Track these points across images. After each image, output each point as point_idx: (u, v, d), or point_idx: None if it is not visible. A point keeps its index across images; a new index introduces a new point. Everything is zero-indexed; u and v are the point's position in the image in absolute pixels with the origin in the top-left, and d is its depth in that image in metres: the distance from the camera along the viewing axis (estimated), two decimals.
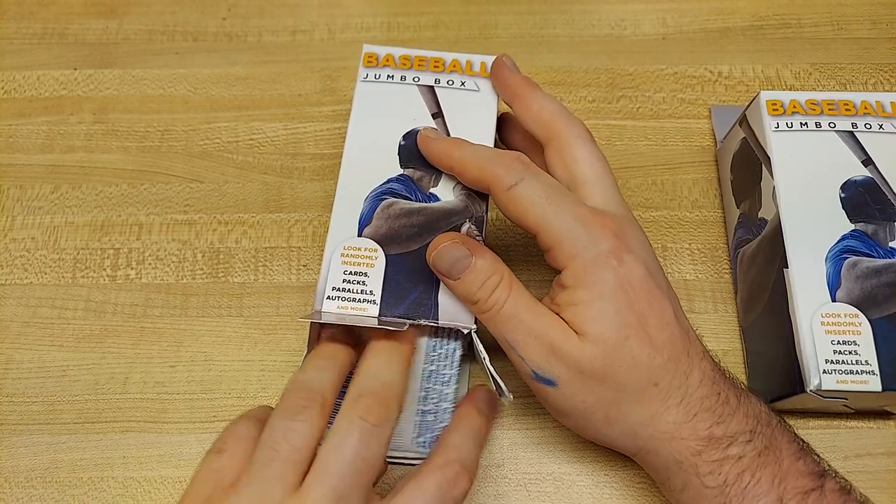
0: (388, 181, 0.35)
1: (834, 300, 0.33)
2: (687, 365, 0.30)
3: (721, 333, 0.39)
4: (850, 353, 0.32)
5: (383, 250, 0.33)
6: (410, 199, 0.34)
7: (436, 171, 0.35)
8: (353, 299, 0.32)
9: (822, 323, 0.33)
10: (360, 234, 0.34)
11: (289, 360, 0.39)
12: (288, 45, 0.49)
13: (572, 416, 0.31)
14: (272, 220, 0.43)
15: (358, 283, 0.33)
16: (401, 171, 0.35)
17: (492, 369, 0.31)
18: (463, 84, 0.37)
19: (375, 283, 0.33)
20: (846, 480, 0.30)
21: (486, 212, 0.34)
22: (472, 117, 0.36)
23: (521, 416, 0.37)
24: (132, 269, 0.41)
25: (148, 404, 0.38)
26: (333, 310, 0.32)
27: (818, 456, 0.30)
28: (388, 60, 0.37)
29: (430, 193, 0.35)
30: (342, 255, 0.33)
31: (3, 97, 0.47)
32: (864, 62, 0.47)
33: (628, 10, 0.50)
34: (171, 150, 0.45)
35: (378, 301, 0.32)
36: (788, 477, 0.29)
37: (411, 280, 0.33)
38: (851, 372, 0.32)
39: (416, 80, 0.37)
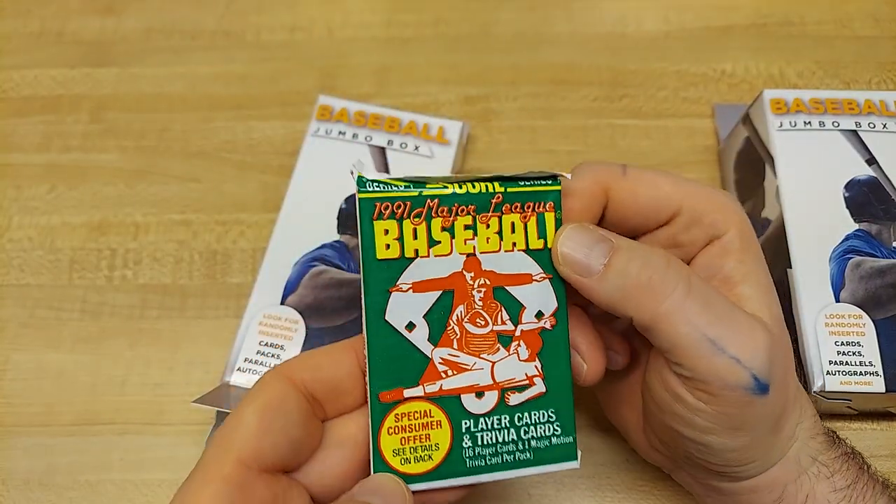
0: (322, 246, 0.33)
1: (838, 301, 0.33)
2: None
3: None
4: (853, 354, 0.32)
5: (305, 322, 0.31)
6: (342, 269, 0.32)
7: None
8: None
9: (827, 324, 0.33)
10: (283, 302, 0.32)
11: None
12: (286, 42, 0.48)
13: (752, 432, 0.24)
14: (270, 221, 0.42)
15: (272, 356, 0.31)
16: (337, 237, 0.33)
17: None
18: (416, 148, 0.36)
19: (290, 356, 0.30)
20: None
21: None
22: None
23: None
24: (129, 269, 0.41)
25: (145, 406, 0.37)
26: (242, 383, 0.30)
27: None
28: (342, 115, 0.36)
29: None
30: (260, 323, 0.31)
31: (0, 96, 0.47)
32: (867, 60, 0.47)
33: (630, 7, 0.50)
34: (169, 150, 0.45)
35: None
36: (886, 487, 0.26)
37: None
38: (855, 373, 0.32)
39: (369, 139, 0.36)
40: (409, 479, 0.24)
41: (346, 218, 0.34)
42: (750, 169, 0.39)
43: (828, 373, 0.32)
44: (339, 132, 0.36)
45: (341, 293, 0.32)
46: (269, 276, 0.33)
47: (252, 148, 0.45)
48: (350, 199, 0.34)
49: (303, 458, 0.23)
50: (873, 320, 0.33)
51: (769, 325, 0.24)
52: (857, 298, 0.33)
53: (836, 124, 0.37)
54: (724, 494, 0.27)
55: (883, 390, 0.31)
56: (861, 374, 0.32)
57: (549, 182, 0.26)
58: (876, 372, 0.32)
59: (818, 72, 0.47)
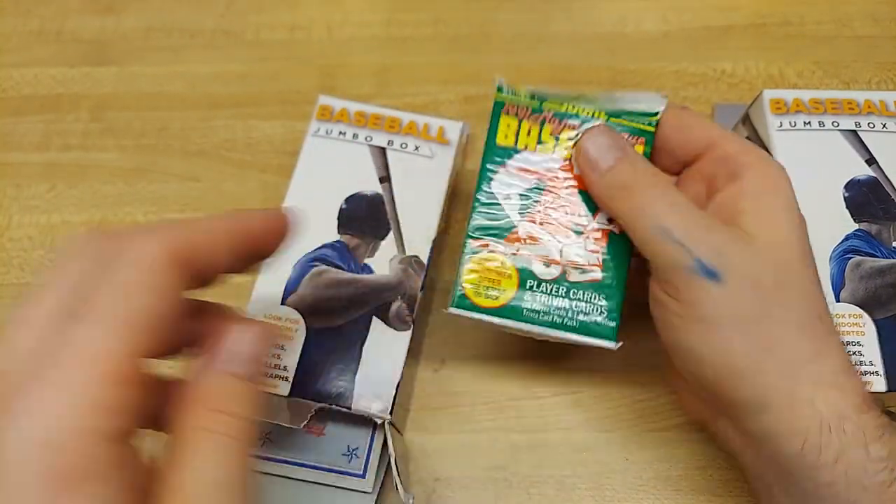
0: (323, 246, 0.33)
1: (838, 300, 0.33)
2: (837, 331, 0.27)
3: None
4: (854, 353, 0.32)
5: (306, 322, 0.31)
6: (343, 269, 0.33)
7: (374, 240, 0.34)
8: (265, 374, 0.31)
9: None
10: (283, 302, 0.32)
11: None
12: (286, 42, 0.48)
13: (722, 327, 0.26)
14: None
15: (272, 355, 0.31)
16: (337, 237, 0.33)
17: (396, 472, 0.30)
18: (417, 149, 0.35)
19: (291, 358, 0.31)
20: None
21: (422, 289, 0.33)
22: (421, 185, 0.35)
23: (522, 418, 0.37)
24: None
25: None
26: None
27: None
28: (342, 115, 0.36)
29: (364, 264, 0.33)
30: None
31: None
32: (867, 60, 0.47)
33: (630, 7, 0.50)
34: (169, 149, 0.45)
35: (291, 378, 0.31)
36: None
37: (331, 357, 0.31)
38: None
39: (369, 139, 0.36)
40: (475, 308, 0.30)
41: (347, 218, 0.34)
42: None
43: None
44: (340, 132, 0.36)
45: (341, 293, 0.32)
46: (269, 277, 0.33)
47: (252, 147, 0.44)
48: (350, 200, 0.34)
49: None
50: (874, 320, 0.32)
51: (751, 236, 0.26)
52: (857, 298, 0.33)
53: (835, 124, 0.37)
54: (750, 443, 0.27)
55: (884, 389, 0.31)
56: (862, 373, 0.32)
57: (646, 122, 0.31)
58: (877, 371, 0.32)
59: (818, 72, 0.47)
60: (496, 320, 0.30)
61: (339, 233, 0.33)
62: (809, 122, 0.37)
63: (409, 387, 0.37)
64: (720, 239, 0.26)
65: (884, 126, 0.37)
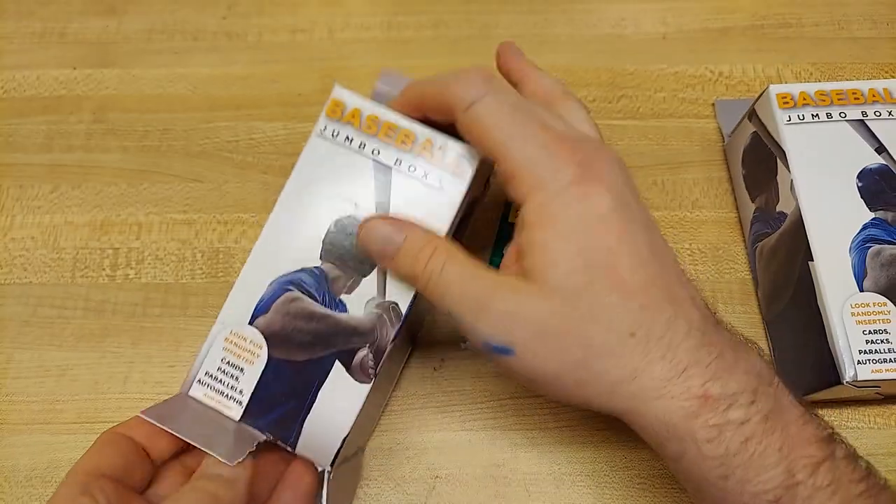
0: (302, 271, 0.31)
1: (861, 290, 0.33)
2: (670, 312, 0.26)
3: None
4: (882, 342, 0.33)
5: (269, 350, 0.30)
6: (316, 300, 0.30)
7: (355, 275, 0.30)
8: (221, 392, 0.30)
9: (853, 314, 0.33)
10: (252, 322, 0.30)
11: None
12: (288, 44, 0.49)
13: (539, 383, 0.27)
14: None
15: (232, 376, 0.30)
16: (318, 264, 0.31)
17: None
18: (425, 176, 0.30)
19: (248, 382, 0.30)
20: (850, 445, 0.27)
21: (393, 340, 0.30)
22: (419, 221, 0.30)
23: (521, 416, 0.37)
24: (131, 268, 0.41)
25: (147, 404, 0.37)
26: (199, 396, 0.30)
27: (822, 419, 0.27)
28: (353, 117, 0.31)
29: (339, 300, 0.30)
30: (227, 340, 0.30)
31: (2, 96, 0.47)
32: (864, 62, 0.47)
33: (629, 9, 0.50)
34: (171, 150, 0.45)
35: (244, 403, 0.30)
36: (797, 445, 0.25)
37: (285, 392, 0.30)
38: (885, 360, 0.32)
39: (376, 152, 0.31)
40: None
41: (332, 245, 0.31)
42: (759, 164, 0.39)
43: (859, 363, 0.32)
44: (347, 137, 0.31)
45: (310, 327, 0.30)
46: (242, 292, 0.31)
47: (253, 148, 0.45)
48: (340, 224, 0.31)
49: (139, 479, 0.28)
50: None
51: (529, 286, 0.26)
52: (880, 286, 0.34)
53: (842, 115, 0.37)
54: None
55: None
56: (891, 360, 0.32)
57: None
58: None
59: (815, 73, 0.47)
60: None
61: (321, 258, 0.31)
62: (817, 115, 0.37)
63: (409, 385, 0.38)
64: (500, 310, 0.26)
65: (890, 114, 0.37)
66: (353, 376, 0.30)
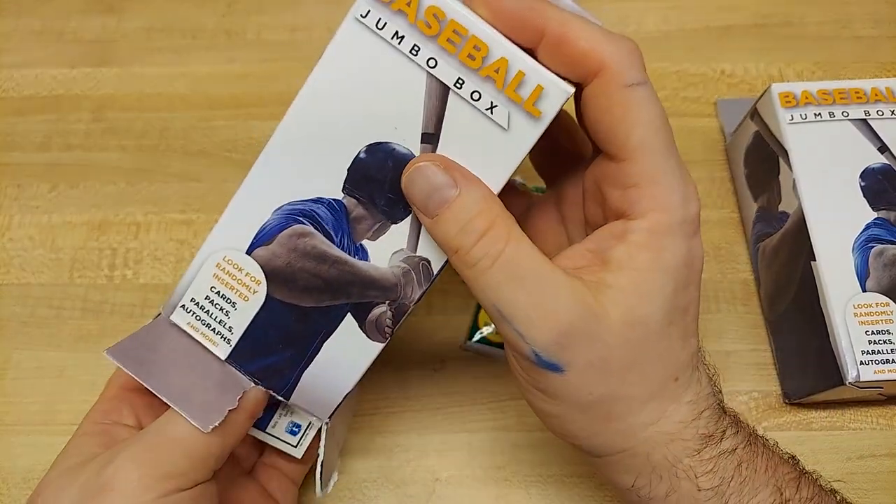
0: (317, 200, 0.25)
1: (864, 290, 0.33)
2: (697, 360, 0.26)
3: (725, 333, 0.39)
4: (884, 342, 0.33)
5: (267, 288, 0.25)
6: (333, 240, 0.25)
7: (384, 220, 0.25)
8: (208, 325, 0.26)
9: (855, 314, 0.33)
10: (250, 251, 0.25)
11: None
12: (287, 42, 0.48)
13: (567, 410, 0.25)
14: None
15: (221, 309, 0.26)
16: (340, 196, 0.25)
17: (320, 472, 0.28)
18: (491, 108, 0.23)
19: (240, 320, 0.26)
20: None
21: (418, 301, 0.25)
22: (474, 166, 0.24)
23: (522, 417, 0.37)
24: (129, 269, 0.41)
25: None
26: (181, 324, 0.26)
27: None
28: (408, 5, 0.23)
29: (359, 245, 0.25)
30: (217, 266, 0.26)
31: (0, 95, 0.47)
32: (867, 61, 0.47)
33: (631, 7, 0.50)
34: (170, 149, 0.45)
35: (234, 342, 0.26)
36: (777, 464, 0.26)
37: (283, 338, 0.26)
38: (888, 361, 0.32)
39: (431, 63, 0.23)
40: (489, 343, 0.36)
41: (361, 175, 0.24)
42: (762, 163, 0.39)
43: (861, 363, 0.32)
44: (395, 34, 0.23)
45: (321, 271, 0.25)
46: (240, 211, 0.25)
47: (253, 147, 0.45)
48: (373, 150, 0.24)
49: None
50: None
51: (605, 310, 0.23)
52: (882, 287, 0.33)
53: (845, 114, 0.37)
54: (595, 466, 0.27)
55: None
56: (893, 361, 0.32)
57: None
58: None
59: (818, 72, 0.47)
60: (500, 352, 0.35)
61: (343, 190, 0.25)
62: (819, 114, 0.37)
63: (409, 387, 0.37)
64: (562, 324, 0.23)
65: (892, 113, 0.37)
66: (365, 333, 0.26)
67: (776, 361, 0.38)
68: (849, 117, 0.37)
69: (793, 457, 0.27)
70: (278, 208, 0.25)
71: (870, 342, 0.33)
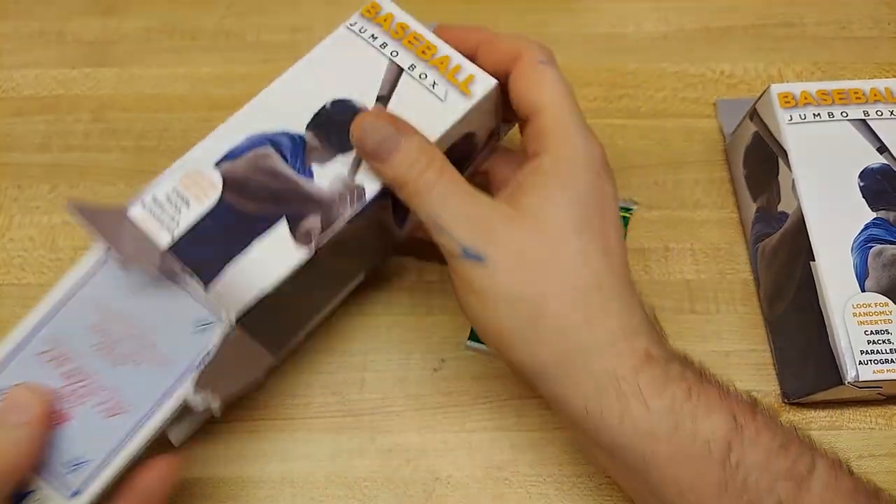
0: (284, 133, 0.31)
1: (863, 290, 0.33)
2: (632, 293, 0.29)
3: (724, 334, 0.39)
4: (883, 342, 0.33)
5: (223, 192, 0.30)
6: (287, 163, 0.30)
7: (335, 153, 0.31)
8: (160, 220, 0.29)
9: (854, 314, 0.33)
10: (218, 164, 0.30)
11: (288, 360, 0.38)
12: (287, 43, 0.49)
13: (493, 301, 0.28)
14: None
15: (175, 207, 0.29)
16: (302, 132, 0.31)
17: (202, 368, 0.28)
18: (434, 85, 0.31)
19: (189, 216, 0.29)
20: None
21: (349, 222, 0.30)
22: (418, 121, 0.30)
23: (521, 417, 0.37)
24: None
25: None
26: (136, 217, 0.29)
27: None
28: (384, 20, 0.33)
29: (309, 168, 0.30)
30: (186, 174, 0.30)
31: (0, 96, 0.47)
32: (866, 61, 0.47)
33: (630, 8, 0.50)
34: (170, 150, 0.45)
35: (177, 235, 0.29)
36: (732, 396, 0.27)
37: (222, 236, 0.29)
38: (887, 361, 0.32)
39: (394, 54, 0.32)
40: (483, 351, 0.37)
41: (324, 120, 0.31)
42: (761, 164, 0.39)
43: (860, 363, 0.32)
44: (372, 35, 0.33)
45: (272, 184, 0.30)
46: (220, 137, 0.31)
47: None
48: (338, 104, 0.31)
49: None
50: None
51: (522, 214, 0.28)
52: (881, 287, 0.33)
53: (844, 114, 0.37)
54: (546, 395, 0.29)
55: None
56: (893, 361, 0.32)
57: (624, 210, 0.40)
58: None
59: (817, 73, 0.47)
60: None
61: (307, 127, 0.31)
62: (819, 114, 0.37)
63: (409, 386, 0.38)
64: (487, 224, 0.28)
65: (891, 113, 0.37)
66: (295, 239, 0.29)
67: (775, 361, 0.38)
68: (848, 118, 0.37)
69: (750, 395, 0.28)
70: (253, 135, 0.31)
71: (869, 342, 0.33)
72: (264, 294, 0.28)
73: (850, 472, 0.27)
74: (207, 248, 0.29)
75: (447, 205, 0.28)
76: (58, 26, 0.49)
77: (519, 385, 0.37)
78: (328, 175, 0.30)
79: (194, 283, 0.29)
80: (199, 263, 0.29)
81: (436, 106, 0.31)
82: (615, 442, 0.27)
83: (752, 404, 0.27)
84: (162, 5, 0.50)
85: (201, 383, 0.28)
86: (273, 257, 0.29)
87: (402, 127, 0.29)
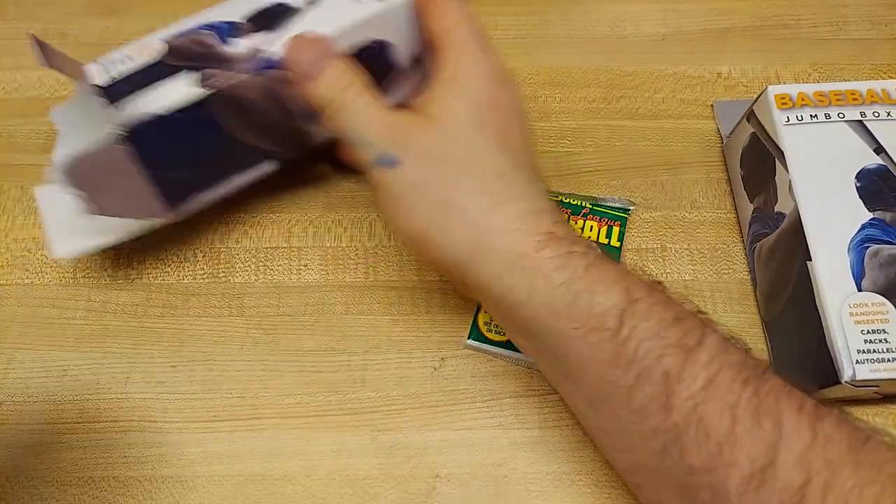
0: (226, 22, 0.36)
1: (860, 290, 0.34)
2: (535, 177, 0.31)
3: None
4: (880, 341, 0.33)
5: (165, 56, 0.35)
6: (220, 40, 0.35)
7: (259, 32, 0.35)
8: (107, 72, 0.34)
9: (851, 314, 0.33)
10: (166, 39, 0.35)
11: (289, 360, 0.39)
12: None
13: (409, 202, 0.30)
14: (272, 221, 0.43)
15: (122, 62, 0.35)
16: (240, 21, 0.36)
17: (72, 157, 0.33)
18: None
19: (131, 67, 0.35)
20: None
21: (251, 78, 0.34)
22: (338, 18, 0.35)
23: (521, 415, 0.37)
24: (133, 269, 0.41)
25: (149, 404, 0.38)
26: (90, 71, 0.34)
27: None
28: None
29: (233, 41, 0.35)
30: (141, 45, 0.36)
31: (3, 97, 0.47)
32: (863, 62, 0.47)
33: (628, 10, 0.50)
34: None
35: (116, 79, 0.34)
36: (630, 274, 0.29)
37: (145, 82, 0.34)
38: (884, 360, 0.33)
39: None
40: (488, 341, 0.38)
41: (259, 13, 0.36)
42: (758, 165, 0.39)
43: (857, 362, 0.32)
44: None
45: (198, 49, 0.35)
46: (177, 27, 0.37)
47: None
48: (275, 4, 0.36)
49: None
50: None
51: (430, 118, 0.31)
52: (878, 286, 0.34)
53: (841, 115, 0.37)
54: (468, 284, 0.31)
55: None
56: (890, 360, 0.33)
57: (622, 210, 0.41)
58: None
59: (814, 74, 0.47)
60: (502, 351, 0.37)
61: (245, 19, 0.36)
62: (816, 115, 0.38)
63: (409, 384, 0.38)
64: (399, 129, 0.31)
65: (888, 114, 0.37)
66: (200, 83, 0.34)
67: (772, 361, 0.38)
68: (844, 119, 0.37)
69: (654, 278, 0.30)
70: (201, 23, 0.36)
71: (865, 341, 0.33)
72: (152, 116, 0.33)
73: (743, 348, 0.28)
74: (130, 87, 0.34)
75: (364, 117, 0.31)
76: (60, 28, 0.50)
77: (517, 383, 0.38)
78: (245, 46, 0.35)
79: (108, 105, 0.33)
80: (116, 94, 0.34)
81: (352, 6, 0.35)
82: (527, 317, 0.29)
83: (653, 283, 0.29)
84: (163, 6, 0.50)
85: (71, 174, 0.34)
86: (173, 92, 0.34)
87: (327, 52, 0.33)
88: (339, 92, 0.32)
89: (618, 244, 0.40)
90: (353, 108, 0.31)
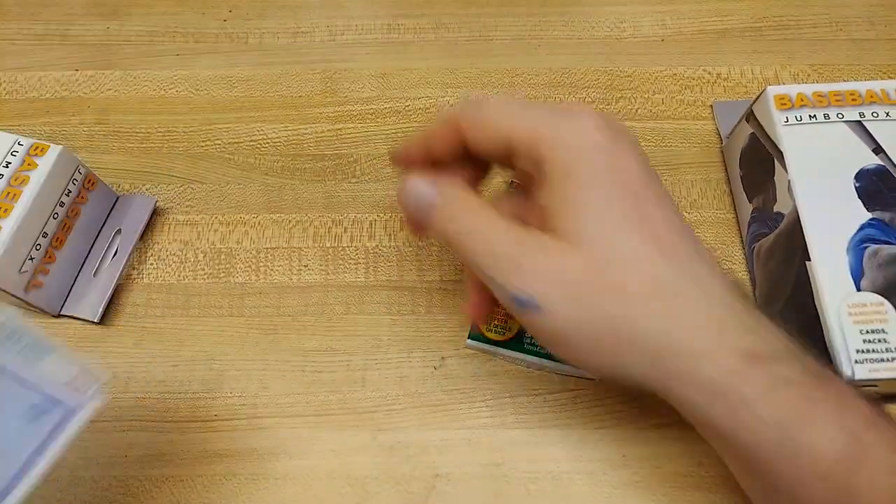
0: None
1: (859, 290, 0.34)
2: (703, 269, 0.25)
3: None
4: (879, 341, 0.33)
5: None
6: None
7: None
8: None
9: (850, 314, 0.33)
10: None
11: (289, 360, 0.39)
12: (289, 46, 0.49)
13: (574, 344, 0.26)
14: (273, 221, 0.43)
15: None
16: None
17: None
18: None
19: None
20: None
21: None
22: None
23: (520, 414, 0.37)
24: (134, 268, 0.41)
25: (149, 403, 0.38)
26: None
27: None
28: None
29: None
30: None
31: (4, 98, 0.47)
32: (862, 63, 0.48)
33: (627, 11, 0.50)
34: (173, 152, 0.45)
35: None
36: (846, 407, 0.24)
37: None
38: (883, 360, 0.33)
39: None
40: (488, 341, 0.37)
41: None
42: (757, 165, 0.39)
43: (856, 362, 0.32)
44: None
45: None
46: None
47: (255, 150, 0.45)
48: None
49: None
50: (895, 306, 0.33)
51: (560, 240, 0.25)
52: (877, 286, 0.34)
53: (840, 116, 0.38)
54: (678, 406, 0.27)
55: None
56: (888, 360, 0.33)
57: None
58: None
59: (813, 75, 0.47)
60: (503, 351, 0.37)
61: None
62: (815, 116, 0.38)
63: (409, 384, 0.38)
64: (528, 263, 0.25)
65: (887, 115, 0.37)
66: None
67: None
68: (844, 119, 0.37)
69: (872, 398, 0.25)
70: None
71: (864, 341, 0.33)
72: None
73: None
74: None
75: (488, 248, 0.26)
76: (61, 28, 0.50)
77: (516, 383, 0.38)
78: None
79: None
80: None
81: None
82: (736, 445, 0.25)
83: (874, 414, 0.24)
84: (165, 8, 0.51)
85: None
86: None
87: (432, 180, 0.28)
88: (452, 224, 0.27)
89: None
90: (474, 237, 0.27)
